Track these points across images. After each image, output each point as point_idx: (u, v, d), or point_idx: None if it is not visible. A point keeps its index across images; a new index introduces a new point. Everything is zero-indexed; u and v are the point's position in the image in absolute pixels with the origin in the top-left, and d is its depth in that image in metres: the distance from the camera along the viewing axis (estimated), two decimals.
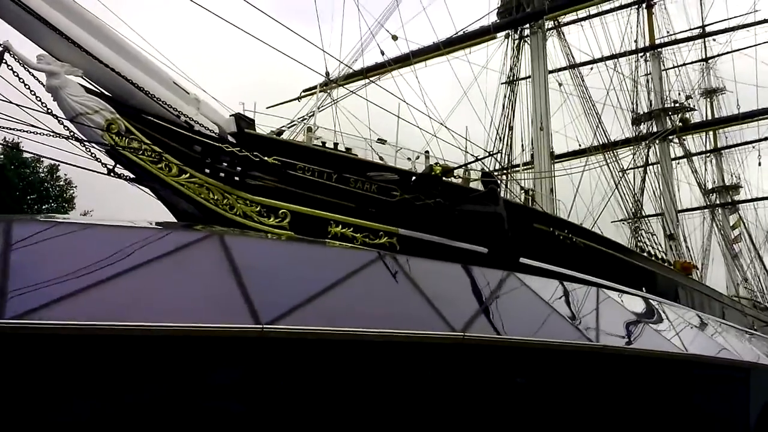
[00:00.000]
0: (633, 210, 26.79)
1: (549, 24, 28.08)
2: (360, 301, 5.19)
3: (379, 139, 13.66)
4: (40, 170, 34.37)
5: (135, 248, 4.76)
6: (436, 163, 12.99)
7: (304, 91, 28.13)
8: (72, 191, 35.79)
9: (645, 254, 23.15)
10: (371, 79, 24.55)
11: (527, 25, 26.12)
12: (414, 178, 13.15)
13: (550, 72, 30.71)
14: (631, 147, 34.98)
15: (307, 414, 4.62)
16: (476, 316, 5.67)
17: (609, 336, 6.83)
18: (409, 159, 13.53)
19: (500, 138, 24.91)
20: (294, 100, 28.68)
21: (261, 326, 4.40)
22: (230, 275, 4.88)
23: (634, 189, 34.52)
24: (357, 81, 24.17)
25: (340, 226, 12.50)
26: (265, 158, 11.62)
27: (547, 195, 21.55)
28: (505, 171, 21.36)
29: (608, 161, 28.14)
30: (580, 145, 30.97)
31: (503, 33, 25.72)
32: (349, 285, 5.42)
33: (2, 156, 30.55)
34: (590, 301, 8.02)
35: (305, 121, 13.85)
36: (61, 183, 35.50)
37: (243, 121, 11.77)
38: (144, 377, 4.20)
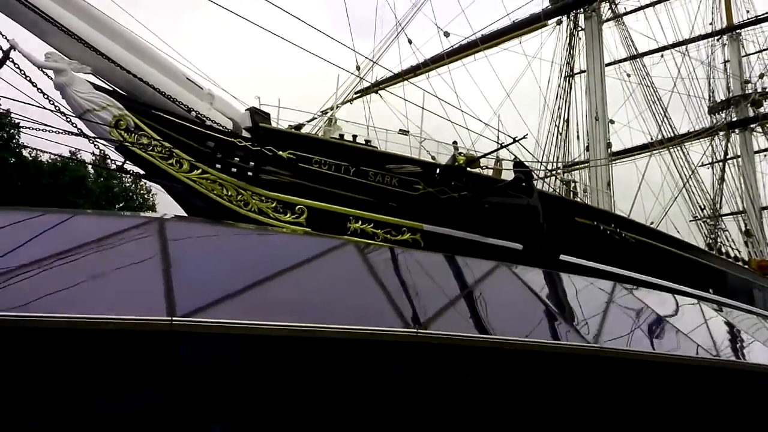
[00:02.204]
0: (704, 207, 24.47)
1: (606, 11, 26.36)
2: (303, 293, 4.70)
3: (401, 130, 13.07)
4: (125, 181, 35.95)
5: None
6: (460, 153, 12.22)
7: (355, 93, 27.95)
8: (154, 198, 37.15)
9: (714, 252, 21.03)
10: (410, 80, 23.91)
11: (581, 11, 24.59)
12: (438, 170, 12.46)
13: (610, 64, 28.89)
14: (708, 138, 32.28)
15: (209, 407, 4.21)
16: (437, 309, 5.02)
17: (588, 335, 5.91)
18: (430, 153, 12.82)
19: (558, 130, 23.60)
20: (346, 102, 28.54)
21: (170, 320, 4.02)
22: (158, 265, 4.56)
23: (712, 184, 31.79)
24: (397, 82, 23.61)
25: (360, 222, 12.02)
26: (280, 152, 11.36)
27: (604, 190, 20.06)
28: (551, 166, 20.07)
29: (675, 156, 26.02)
30: (651, 140, 28.74)
31: (554, 20, 24.30)
32: (299, 274, 4.95)
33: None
34: (599, 300, 7.05)
35: (327, 115, 13.49)
36: (143, 192, 37.08)
37: (258, 115, 11.58)
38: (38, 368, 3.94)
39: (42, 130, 9.24)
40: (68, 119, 9.53)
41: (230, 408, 4.41)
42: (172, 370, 4.21)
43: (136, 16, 11.72)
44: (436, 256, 6.38)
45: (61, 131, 9.25)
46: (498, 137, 12.90)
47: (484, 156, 12.35)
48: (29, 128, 8.89)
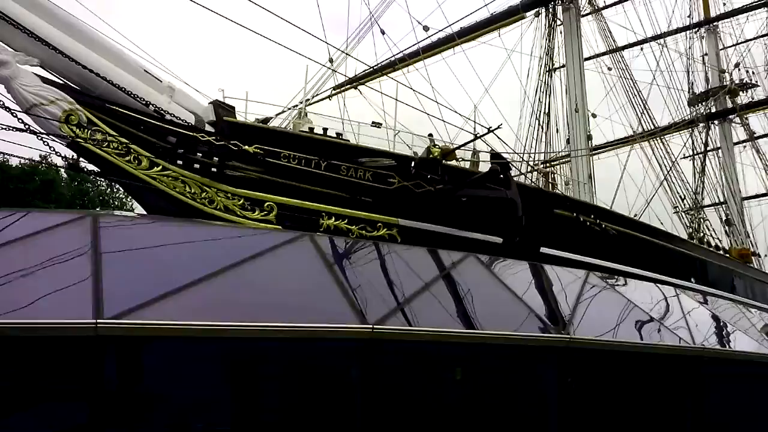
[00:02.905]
0: (684, 196, 24.38)
1: (585, 4, 26.18)
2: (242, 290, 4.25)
3: (373, 123, 12.63)
4: (101, 184, 34.81)
5: None
6: (435, 145, 11.81)
7: (333, 89, 27.43)
8: (132, 202, 36.05)
9: (695, 242, 20.87)
10: (388, 74, 23.48)
11: (559, 2, 24.36)
12: (413, 163, 12.04)
13: (589, 58, 28.72)
14: (688, 130, 32.34)
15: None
16: (397, 304, 4.60)
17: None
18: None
19: (539, 123, 23.35)
20: (324, 99, 27.98)
21: (95, 323, 3.55)
22: (87, 263, 4.08)
23: (694, 176, 31.84)
24: (374, 78, 23.17)
25: (333, 218, 11.56)
26: (245, 147, 10.85)
27: (585, 182, 19.80)
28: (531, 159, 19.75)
29: (656, 148, 25.98)
30: (633, 132, 28.60)
31: (533, 12, 24.03)
32: (247, 270, 4.49)
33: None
34: (573, 289, 6.68)
35: (297, 108, 13.01)
36: (120, 195, 35.94)
37: (221, 109, 11.06)
38: None
39: None
40: (14, 114, 8.95)
41: (167, 424, 3.94)
42: (99, 381, 3.73)
43: (93, 8, 11.15)
44: (398, 247, 5.97)
45: (4, 127, 8.65)
46: (474, 129, 12.52)
47: (459, 147, 11.96)
48: None
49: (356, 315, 4.38)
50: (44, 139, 9.23)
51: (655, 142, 26.85)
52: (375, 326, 4.33)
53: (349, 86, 25.23)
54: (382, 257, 5.78)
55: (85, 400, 3.70)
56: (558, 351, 5.20)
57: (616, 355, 5.86)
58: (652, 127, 27.30)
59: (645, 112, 27.13)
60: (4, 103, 8.75)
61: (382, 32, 18.82)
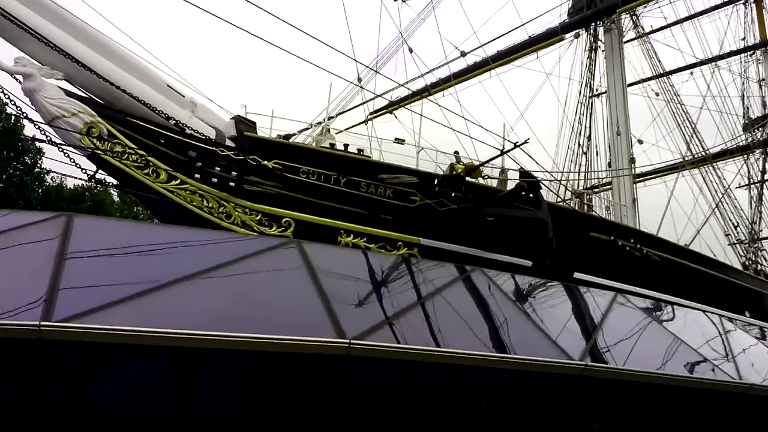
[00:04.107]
0: (737, 224, 22.87)
1: (628, 25, 25.34)
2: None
3: (396, 139, 12.32)
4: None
5: None
6: (458, 161, 11.37)
7: (371, 114, 27.44)
8: None
9: (750, 272, 19.38)
10: (428, 98, 23.29)
11: (600, 23, 23.69)
12: (436, 180, 11.62)
13: (634, 83, 27.74)
14: (742, 156, 30.67)
15: None
16: (381, 318, 4.15)
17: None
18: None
19: (579, 145, 22.56)
20: (361, 123, 28.02)
21: (38, 325, 3.29)
22: (47, 264, 3.88)
23: (750, 205, 30.04)
24: (408, 102, 23.01)
25: (352, 236, 11.23)
26: (264, 162, 10.73)
27: (626, 205, 18.82)
28: (570, 182, 18.94)
29: (707, 175, 24.68)
30: (681, 158, 27.20)
31: (572, 33, 23.44)
32: (217, 277, 4.18)
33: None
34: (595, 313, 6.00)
35: (322, 124, 12.87)
36: None
37: (242, 124, 11.02)
38: None
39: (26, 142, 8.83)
40: (37, 126, 9.13)
41: None
42: (42, 388, 3.47)
43: (123, 25, 11.44)
44: (391, 258, 5.54)
45: (27, 139, 8.83)
46: (503, 146, 12.02)
47: (484, 164, 11.47)
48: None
49: (333, 328, 3.98)
50: (65, 151, 9.37)
51: (707, 168, 25.54)
52: (353, 341, 3.91)
53: (385, 111, 25.19)
54: (371, 267, 5.38)
55: (25, 406, 3.44)
56: (571, 380, 4.62)
57: (644, 388, 5.18)
58: (703, 154, 25.96)
59: (695, 137, 25.84)
60: (27, 115, 8.93)
61: (410, 50, 18.65)
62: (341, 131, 13.93)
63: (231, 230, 10.48)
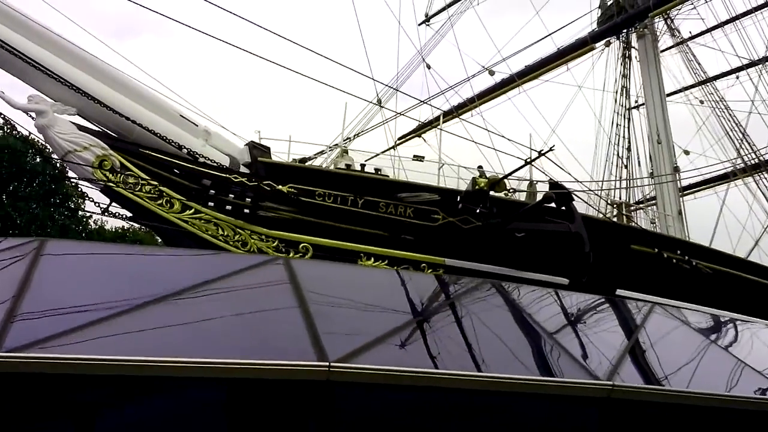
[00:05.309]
0: None
1: (664, 35, 24.36)
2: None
3: (415, 156, 11.88)
4: None
5: None
6: (481, 175, 10.80)
7: (399, 138, 27.19)
8: None
9: None
10: (462, 118, 22.89)
11: (633, 29, 22.81)
12: (459, 197, 11.07)
13: (674, 92, 26.56)
14: None
15: None
16: (369, 339, 3.59)
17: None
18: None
19: (618, 156, 21.55)
20: (389, 149, 27.82)
21: None
22: (11, 289, 3.57)
23: None
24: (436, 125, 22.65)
25: (372, 259, 10.74)
26: (279, 187, 10.47)
27: (670, 215, 17.67)
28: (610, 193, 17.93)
29: (761, 182, 23.18)
30: (733, 166, 25.58)
31: (602, 42, 22.64)
32: (189, 299, 3.78)
33: None
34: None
35: (339, 146, 12.57)
36: None
37: (256, 150, 10.85)
38: None
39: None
40: (52, 162, 9.17)
41: None
42: None
43: (135, 58, 11.56)
44: (386, 273, 5.02)
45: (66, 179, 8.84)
46: (530, 156, 11.39)
47: (508, 176, 10.85)
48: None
49: (313, 350, 3.49)
50: (80, 186, 9.36)
51: (761, 175, 23.98)
52: (333, 364, 3.41)
53: (414, 135, 24.86)
54: (365, 283, 4.86)
55: None
56: (597, 403, 3.95)
57: (687, 411, 4.41)
58: (757, 161, 24.35)
59: (745, 143, 24.31)
60: (48, 153, 8.97)
61: (428, 66, 18.34)
62: (369, 157, 13.46)
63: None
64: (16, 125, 9.17)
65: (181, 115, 10.45)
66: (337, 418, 3.44)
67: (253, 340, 3.57)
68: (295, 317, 3.81)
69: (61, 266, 4.15)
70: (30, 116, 9.17)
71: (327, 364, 3.40)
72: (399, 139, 27.11)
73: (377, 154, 17.59)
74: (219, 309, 3.87)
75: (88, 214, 29.01)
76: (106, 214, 9.57)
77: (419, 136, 24.38)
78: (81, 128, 9.41)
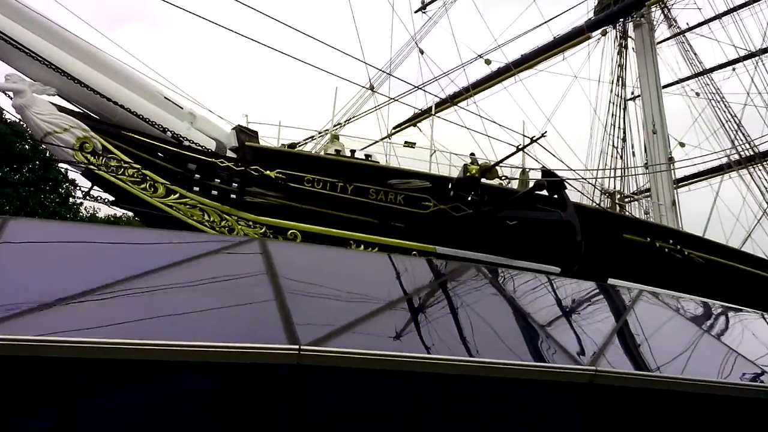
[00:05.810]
0: None
1: (661, 24, 24.14)
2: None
3: (406, 143, 11.67)
4: None
5: None
6: (473, 162, 10.61)
7: (394, 128, 26.91)
8: None
9: None
10: (461, 106, 22.64)
11: (630, 18, 22.56)
12: (450, 184, 10.88)
13: (671, 84, 26.40)
14: None
15: None
16: (348, 320, 3.42)
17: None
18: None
19: (614, 148, 21.39)
20: (384, 138, 27.53)
21: None
22: None
23: None
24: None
25: (362, 246, 10.56)
26: (267, 172, 10.26)
27: (663, 204, 17.55)
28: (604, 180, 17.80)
29: (757, 176, 23.12)
30: (727, 159, 25.46)
31: (599, 30, 22.38)
32: (152, 280, 3.59)
33: None
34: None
35: (330, 131, 12.34)
36: None
37: (244, 134, 10.61)
38: None
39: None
40: (33, 143, 8.92)
41: None
42: None
43: (123, 42, 11.28)
44: (368, 255, 4.85)
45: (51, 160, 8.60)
46: (522, 142, 11.19)
47: (499, 163, 10.67)
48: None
49: (283, 333, 3.32)
50: (60, 168, 9.12)
51: (755, 167, 23.91)
52: (303, 347, 3.23)
53: (409, 124, 24.57)
54: (345, 265, 4.68)
55: None
56: (580, 388, 3.80)
57: (676, 397, 4.26)
58: (751, 153, 24.24)
59: (739, 135, 24.20)
60: (28, 134, 8.72)
61: (421, 51, 18.09)
62: (364, 147, 13.23)
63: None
64: (4, 110, 8.93)
65: (165, 97, 10.19)
66: (307, 402, 3.27)
67: (224, 322, 3.39)
68: (268, 299, 3.63)
69: (24, 245, 3.95)
70: (8, 96, 8.90)
71: (297, 347, 3.23)
72: (394, 128, 26.81)
73: (372, 143, 17.40)
74: (189, 291, 3.69)
75: (79, 201, 28.76)
76: (87, 198, 9.32)
77: (414, 125, 24.10)
78: (61, 109, 9.14)
